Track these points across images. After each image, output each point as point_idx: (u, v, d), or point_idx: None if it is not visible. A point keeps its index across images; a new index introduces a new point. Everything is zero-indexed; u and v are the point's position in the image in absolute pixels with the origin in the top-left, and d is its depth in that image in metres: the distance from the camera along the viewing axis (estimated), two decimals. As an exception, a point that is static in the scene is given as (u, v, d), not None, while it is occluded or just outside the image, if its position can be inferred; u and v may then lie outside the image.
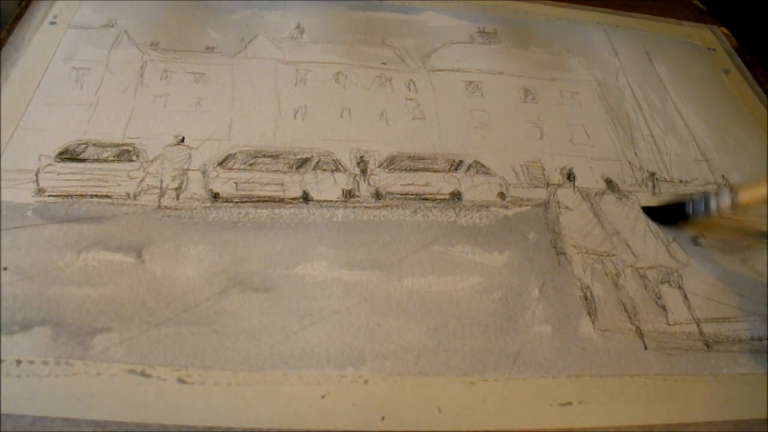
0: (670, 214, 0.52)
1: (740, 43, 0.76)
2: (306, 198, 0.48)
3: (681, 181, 0.56)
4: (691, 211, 0.50)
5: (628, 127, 0.61)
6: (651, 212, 0.52)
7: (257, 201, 0.47)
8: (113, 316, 0.37)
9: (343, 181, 0.50)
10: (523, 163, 0.55)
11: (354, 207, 0.48)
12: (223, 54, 0.58)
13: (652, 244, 0.50)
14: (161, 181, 0.47)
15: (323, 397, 0.36)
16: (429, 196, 0.50)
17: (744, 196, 0.46)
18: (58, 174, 0.45)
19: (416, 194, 0.50)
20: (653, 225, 0.51)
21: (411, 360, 0.39)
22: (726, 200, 0.47)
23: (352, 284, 0.42)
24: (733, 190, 0.47)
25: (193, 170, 0.48)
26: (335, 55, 0.61)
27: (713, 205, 0.48)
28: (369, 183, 0.50)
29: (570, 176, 0.54)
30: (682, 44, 0.74)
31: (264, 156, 0.50)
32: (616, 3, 0.77)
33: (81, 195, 0.44)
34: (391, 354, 0.39)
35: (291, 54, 0.60)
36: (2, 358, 0.35)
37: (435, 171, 0.52)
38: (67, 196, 0.44)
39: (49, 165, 0.45)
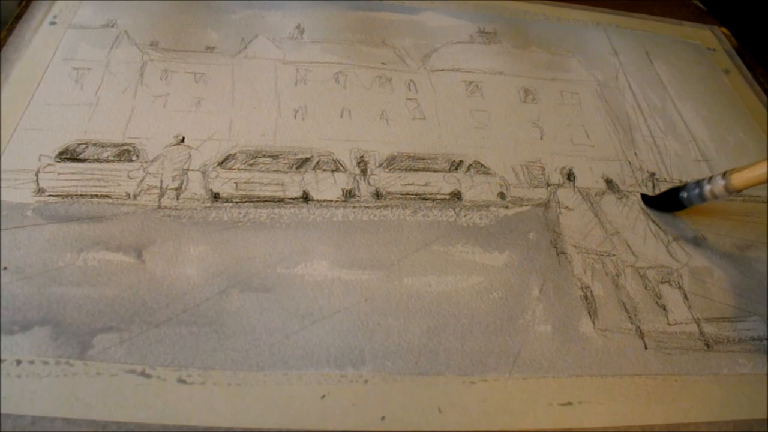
0: (666, 202, 0.52)
1: (740, 43, 0.76)
2: (306, 198, 0.48)
3: (681, 182, 0.56)
4: (686, 196, 0.50)
5: (628, 128, 0.61)
6: (648, 201, 0.53)
7: (257, 201, 0.47)
8: (113, 316, 0.37)
9: (343, 181, 0.50)
10: (523, 163, 0.55)
11: (354, 207, 0.48)
12: (223, 54, 0.58)
13: (652, 244, 0.50)
14: (161, 181, 0.47)
15: (323, 397, 0.36)
16: (429, 196, 0.50)
17: (737, 180, 0.46)
18: (58, 174, 0.45)
19: (416, 194, 0.50)
20: (653, 225, 0.51)
21: (411, 360, 0.39)
22: (719, 184, 0.47)
23: (352, 284, 0.42)
24: (726, 174, 0.47)
25: (193, 170, 0.48)
26: (335, 55, 0.61)
27: (707, 189, 0.48)
28: (369, 183, 0.50)
29: (570, 176, 0.54)
30: (682, 44, 0.74)
31: (264, 156, 0.50)
32: (616, 3, 0.77)
33: (81, 195, 0.44)
34: (391, 354, 0.39)
35: (291, 54, 0.60)
36: (2, 358, 0.35)
37: (435, 171, 0.52)
38: (67, 196, 0.44)
39: (49, 165, 0.45)
